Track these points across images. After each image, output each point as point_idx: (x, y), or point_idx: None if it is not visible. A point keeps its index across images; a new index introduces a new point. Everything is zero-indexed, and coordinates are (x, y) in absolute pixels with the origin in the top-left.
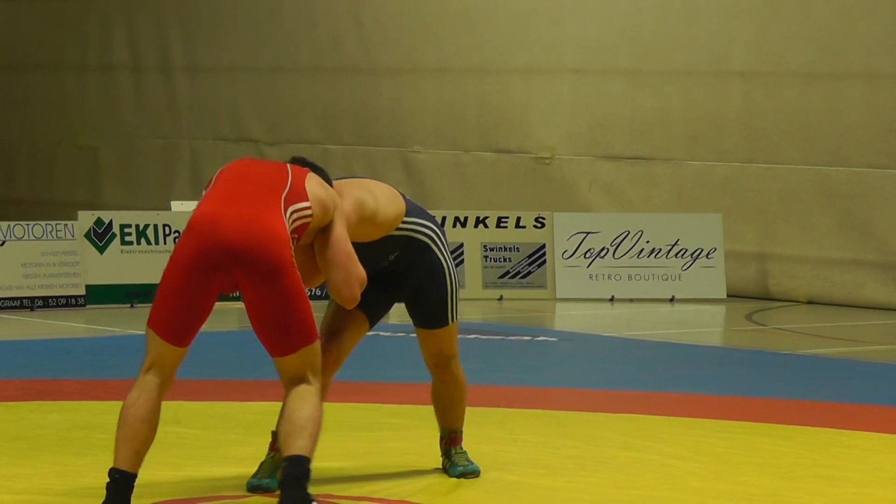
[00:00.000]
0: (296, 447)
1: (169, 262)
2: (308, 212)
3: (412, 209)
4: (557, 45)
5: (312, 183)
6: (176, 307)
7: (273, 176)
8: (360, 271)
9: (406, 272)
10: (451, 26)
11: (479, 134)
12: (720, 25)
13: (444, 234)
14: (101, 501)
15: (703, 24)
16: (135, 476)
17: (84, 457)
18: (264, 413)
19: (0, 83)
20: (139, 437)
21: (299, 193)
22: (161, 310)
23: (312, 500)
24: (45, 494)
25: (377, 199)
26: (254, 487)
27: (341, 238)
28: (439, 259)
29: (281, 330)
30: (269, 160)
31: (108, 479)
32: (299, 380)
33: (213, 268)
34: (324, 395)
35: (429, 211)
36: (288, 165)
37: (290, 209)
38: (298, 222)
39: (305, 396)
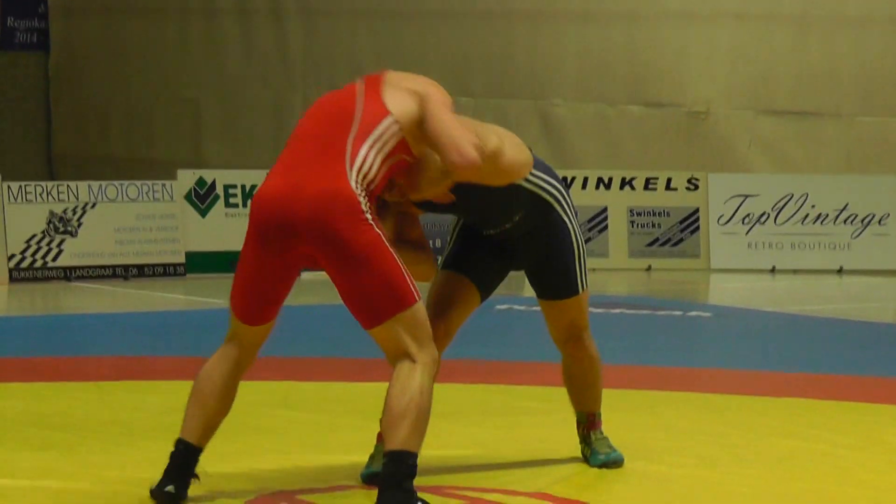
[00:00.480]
0: (396, 441)
1: (244, 243)
2: (395, 127)
3: (538, 163)
4: None
5: (391, 86)
6: (246, 287)
7: (338, 117)
8: (470, 135)
9: (529, 236)
10: None
11: (626, 86)
12: None
13: (570, 196)
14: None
15: None
16: (200, 450)
17: None
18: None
19: (94, 29)
20: (210, 411)
21: (374, 114)
22: (235, 288)
23: (417, 501)
24: (138, 486)
25: (502, 139)
26: (369, 478)
27: (437, 113)
28: (565, 221)
29: (365, 299)
30: (346, 87)
31: (173, 452)
32: (399, 354)
33: (278, 248)
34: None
35: (568, 171)
36: (357, 85)
37: (368, 143)
38: (390, 144)
39: (406, 378)
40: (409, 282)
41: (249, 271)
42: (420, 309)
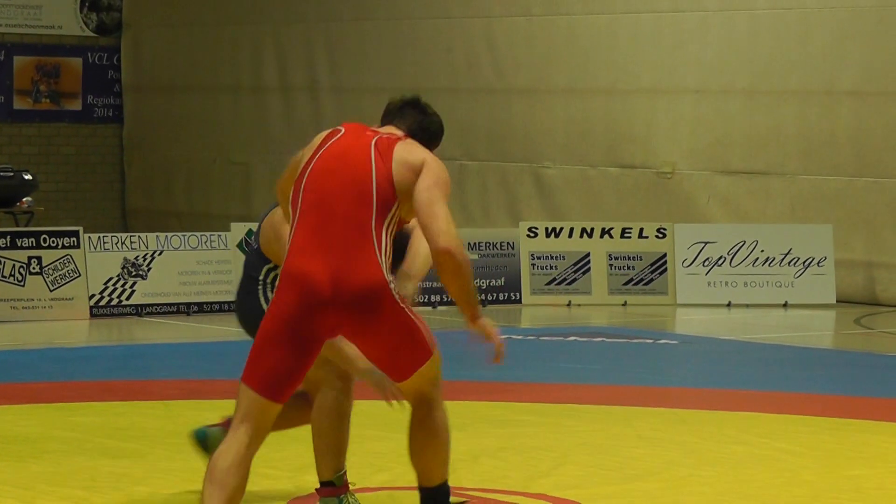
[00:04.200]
0: (436, 477)
1: (267, 314)
2: (398, 210)
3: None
4: (679, 66)
5: (400, 164)
6: (276, 361)
7: (359, 195)
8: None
9: None
10: (580, 50)
11: (605, 150)
12: (831, 48)
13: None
14: None
15: (815, 47)
16: None
17: None
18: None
19: (160, 104)
20: (229, 486)
21: (388, 199)
22: (259, 363)
23: None
24: (199, 488)
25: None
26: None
27: (431, 202)
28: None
29: (392, 363)
30: (351, 141)
31: None
32: (420, 398)
33: (312, 325)
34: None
35: (557, 222)
36: (371, 148)
37: (384, 226)
38: (394, 225)
39: (429, 422)
40: (427, 336)
41: (279, 343)
42: (437, 354)
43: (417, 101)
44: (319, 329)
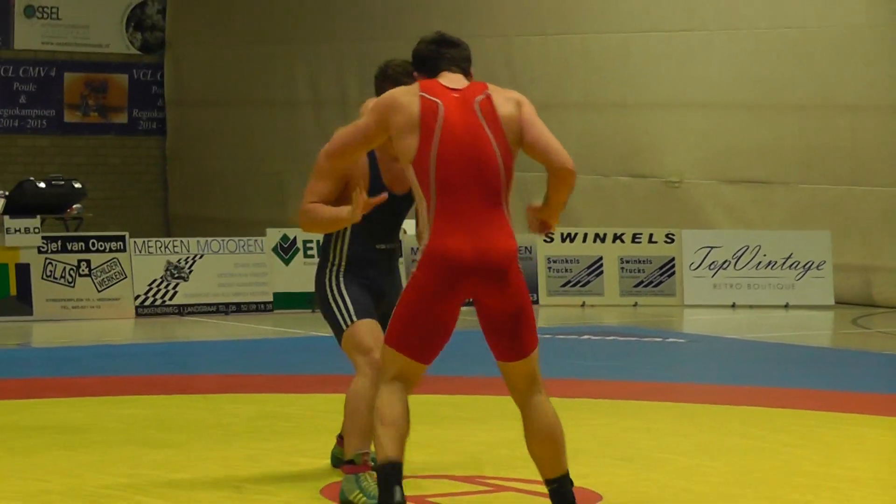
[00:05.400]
0: (561, 466)
1: (415, 290)
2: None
3: None
4: (687, 82)
5: (507, 122)
6: (425, 330)
7: (490, 174)
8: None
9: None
10: (593, 66)
11: (617, 161)
12: (830, 65)
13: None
14: (380, 487)
15: (814, 63)
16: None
17: (271, 442)
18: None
19: (201, 117)
20: (401, 431)
21: (509, 161)
22: (409, 333)
23: None
24: (236, 476)
25: None
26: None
27: (542, 129)
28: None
29: (514, 336)
30: (460, 119)
31: (380, 472)
32: (530, 386)
33: (456, 297)
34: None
35: (572, 228)
36: (485, 128)
37: (510, 185)
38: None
39: (550, 408)
40: (536, 326)
41: (428, 315)
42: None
43: (443, 38)
44: (461, 294)
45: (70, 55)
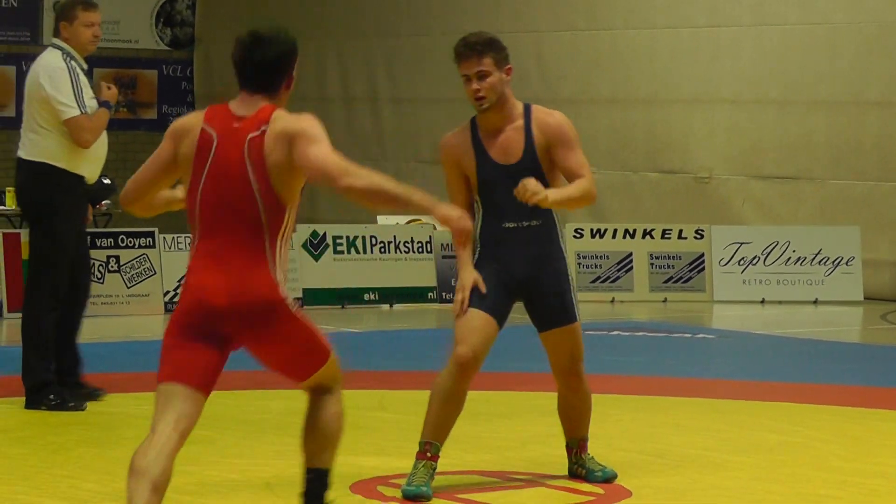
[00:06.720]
0: (322, 461)
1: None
2: (289, 211)
3: None
4: (715, 78)
5: (275, 167)
6: (179, 358)
7: (249, 220)
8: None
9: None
10: (621, 62)
11: (646, 157)
12: (858, 61)
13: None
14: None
15: (843, 60)
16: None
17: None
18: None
19: None
20: (155, 483)
21: (279, 216)
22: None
23: None
24: (264, 471)
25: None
26: (413, 496)
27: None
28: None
29: (295, 367)
30: (225, 155)
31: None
32: (320, 389)
33: (209, 338)
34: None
35: (602, 224)
36: (245, 162)
37: (278, 239)
38: (290, 227)
39: (330, 407)
40: (320, 337)
41: (177, 347)
42: (333, 354)
43: (254, 37)
44: (214, 340)
45: (99, 51)
